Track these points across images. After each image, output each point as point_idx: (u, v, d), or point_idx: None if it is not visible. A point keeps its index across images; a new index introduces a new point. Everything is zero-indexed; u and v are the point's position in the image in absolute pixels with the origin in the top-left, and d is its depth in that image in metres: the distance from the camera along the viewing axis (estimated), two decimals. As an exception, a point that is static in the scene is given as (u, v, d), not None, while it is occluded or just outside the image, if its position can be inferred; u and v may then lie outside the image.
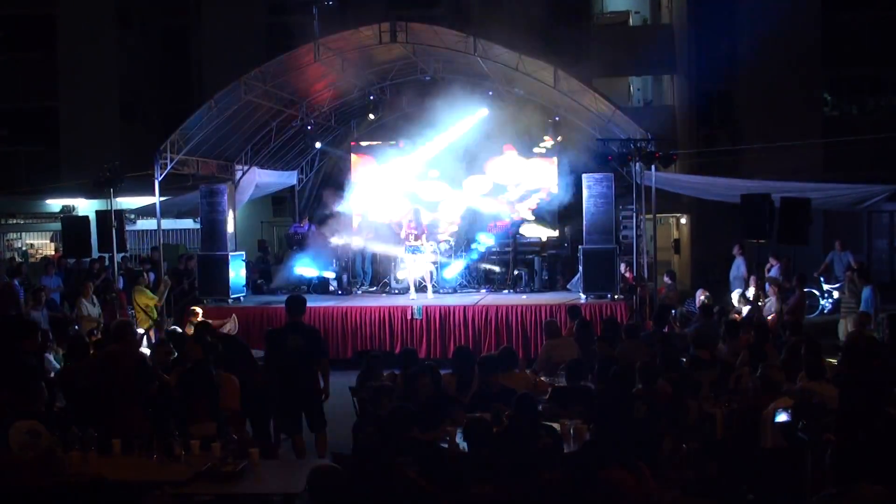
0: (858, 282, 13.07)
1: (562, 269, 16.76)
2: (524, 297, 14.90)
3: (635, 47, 22.24)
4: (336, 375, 8.68)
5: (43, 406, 6.75)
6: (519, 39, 14.02)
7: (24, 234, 24.16)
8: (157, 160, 14.59)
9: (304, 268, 16.34)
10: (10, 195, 22.01)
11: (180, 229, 21.81)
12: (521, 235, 17.16)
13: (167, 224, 18.52)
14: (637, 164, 13.83)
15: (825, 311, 16.41)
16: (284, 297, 9.38)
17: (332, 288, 16.22)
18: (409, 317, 13.70)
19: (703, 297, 13.84)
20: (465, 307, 13.75)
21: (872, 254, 20.61)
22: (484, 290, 16.01)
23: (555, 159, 17.86)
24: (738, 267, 15.65)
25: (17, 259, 22.03)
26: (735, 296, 14.34)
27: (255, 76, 14.77)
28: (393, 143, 18.20)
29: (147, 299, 13.55)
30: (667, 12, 23.68)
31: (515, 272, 16.24)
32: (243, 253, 15.85)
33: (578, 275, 14.86)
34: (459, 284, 16.19)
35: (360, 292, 16.19)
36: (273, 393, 8.12)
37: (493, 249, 16.97)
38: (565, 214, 17.54)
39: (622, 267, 14.99)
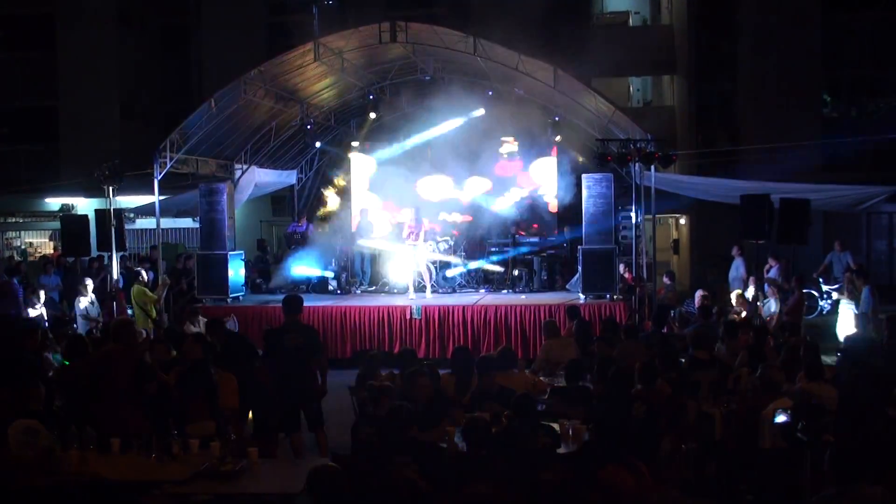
0: (857, 283, 13.07)
1: (561, 269, 16.75)
2: (523, 297, 14.90)
3: (635, 47, 22.23)
4: (335, 375, 8.69)
5: (41, 405, 6.75)
6: (519, 39, 14.02)
7: (23, 232, 24.15)
8: (156, 159, 14.58)
9: (303, 267, 16.34)
10: (10, 194, 22.01)
11: (179, 228, 21.79)
12: (521, 235, 17.16)
13: (166, 223, 18.51)
14: (636, 164, 13.82)
15: (824, 312, 16.40)
16: (283, 297, 9.38)
17: (331, 287, 16.21)
18: (408, 317, 13.70)
19: (702, 298, 13.83)
20: (464, 307, 13.75)
21: (872, 255, 20.61)
22: (483, 290, 16.01)
23: (553, 159, 17.90)
24: (738, 267, 15.65)
25: (17, 258, 22.01)
26: (734, 296, 14.33)
27: (255, 75, 14.77)
28: (392, 142, 18.18)
29: (146, 298, 13.54)
30: (667, 12, 23.68)
31: (515, 272, 16.23)
32: (242, 252, 15.85)
33: (577, 275, 14.86)
34: (458, 284, 16.18)
35: (359, 292, 16.18)
36: (273, 392, 8.12)
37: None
38: (565, 214, 17.54)
39: (621, 267, 14.99)
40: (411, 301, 14.30)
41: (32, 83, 23.53)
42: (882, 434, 5.81)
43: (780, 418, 6.03)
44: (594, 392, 7.42)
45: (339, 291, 16.02)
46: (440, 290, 15.64)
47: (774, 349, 8.92)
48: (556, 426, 6.46)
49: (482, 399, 7.17)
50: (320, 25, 16.07)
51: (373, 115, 17.37)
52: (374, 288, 16.44)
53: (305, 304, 9.05)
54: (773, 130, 18.63)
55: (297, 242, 17.01)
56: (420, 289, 15.21)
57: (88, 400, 6.78)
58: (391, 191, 17.75)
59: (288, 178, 19.27)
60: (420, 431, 5.84)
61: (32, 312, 13.12)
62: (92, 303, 13.38)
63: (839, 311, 13.77)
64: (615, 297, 13.97)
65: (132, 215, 20.17)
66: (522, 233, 17.15)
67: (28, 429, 5.66)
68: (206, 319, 11.96)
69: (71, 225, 14.64)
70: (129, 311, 13.94)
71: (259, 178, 17.84)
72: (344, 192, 18.55)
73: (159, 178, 14.68)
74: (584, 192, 14.25)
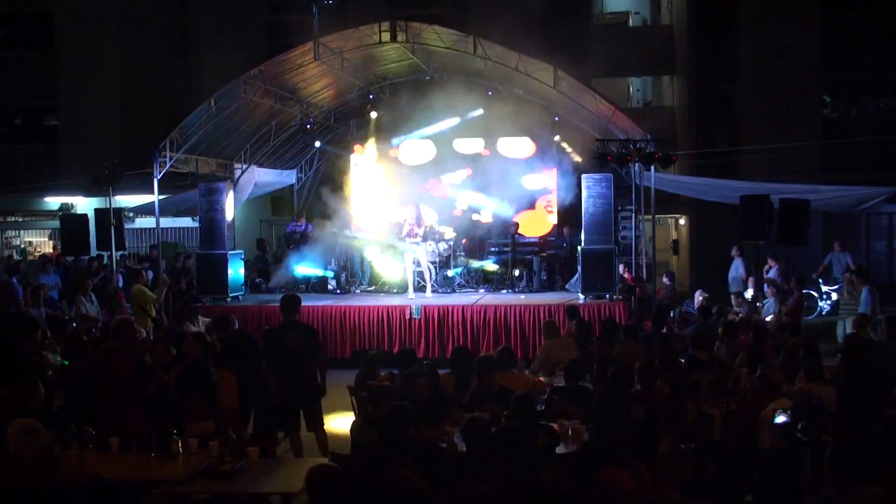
0: (857, 283, 13.07)
1: (560, 269, 16.75)
2: (523, 297, 14.90)
3: (635, 47, 22.23)
4: (334, 375, 8.68)
5: (40, 404, 6.74)
6: (518, 39, 14.02)
7: (22, 231, 24.12)
8: (156, 158, 14.58)
9: (303, 267, 16.33)
10: (9, 193, 21.98)
11: (179, 228, 21.79)
12: (521, 235, 17.16)
13: (166, 222, 18.51)
14: (636, 164, 13.83)
15: (823, 313, 16.40)
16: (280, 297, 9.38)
17: (330, 287, 16.20)
18: (407, 316, 13.70)
19: (701, 298, 13.83)
20: (463, 307, 13.75)
21: (871, 255, 20.60)
22: (482, 290, 16.01)
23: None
24: (737, 268, 15.65)
25: (16, 257, 22.01)
26: (734, 297, 14.34)
27: (255, 75, 14.77)
28: (392, 141, 18.18)
29: (146, 298, 13.53)
30: (667, 12, 23.67)
31: (515, 272, 16.23)
32: (242, 251, 15.85)
33: (577, 275, 14.86)
34: (458, 284, 16.18)
35: (358, 291, 16.18)
36: (275, 391, 8.12)
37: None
38: (564, 214, 17.54)
39: (621, 267, 15.00)
40: (411, 301, 14.30)
41: (32, 82, 23.49)
42: (881, 435, 5.80)
43: (780, 419, 6.04)
44: (594, 392, 7.41)
45: (338, 291, 16.02)
46: (440, 290, 15.64)
47: (774, 349, 8.92)
48: (555, 426, 6.45)
49: (482, 399, 7.17)
50: (320, 25, 16.08)
51: (374, 115, 17.35)
52: (373, 288, 16.44)
53: (305, 303, 9.05)
54: (773, 130, 18.62)
55: (296, 242, 17.00)
56: (420, 288, 15.21)
57: (88, 399, 6.77)
58: (391, 190, 17.76)
59: (287, 177, 19.27)
60: (419, 431, 5.83)
61: (32, 311, 13.11)
62: (91, 302, 13.38)
63: (839, 311, 13.78)
64: (615, 297, 13.97)
65: (132, 214, 20.16)
66: (521, 233, 17.15)
67: (27, 428, 5.65)
68: (206, 319, 11.99)
69: (70, 224, 14.64)
70: (129, 310, 13.94)
71: (259, 178, 17.84)
72: (343, 192, 18.53)
73: (159, 177, 14.67)
74: (584, 193, 14.25)
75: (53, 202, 22.75)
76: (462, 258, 16.47)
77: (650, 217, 14.60)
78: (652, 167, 13.57)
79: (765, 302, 13.28)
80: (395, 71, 16.72)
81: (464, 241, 16.97)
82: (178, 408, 7.02)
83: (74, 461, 5.77)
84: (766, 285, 13.51)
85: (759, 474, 6.49)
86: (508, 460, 5.14)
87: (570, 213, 17.04)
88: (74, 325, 12.62)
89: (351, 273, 16.57)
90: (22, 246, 23.81)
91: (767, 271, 14.68)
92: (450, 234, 16.66)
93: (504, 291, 15.81)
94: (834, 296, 16.02)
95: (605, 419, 6.37)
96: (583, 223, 14.25)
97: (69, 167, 21.69)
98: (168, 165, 14.73)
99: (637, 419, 6.38)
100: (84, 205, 21.16)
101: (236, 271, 15.05)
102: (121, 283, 15.34)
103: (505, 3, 18.32)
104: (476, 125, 17.24)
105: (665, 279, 15.66)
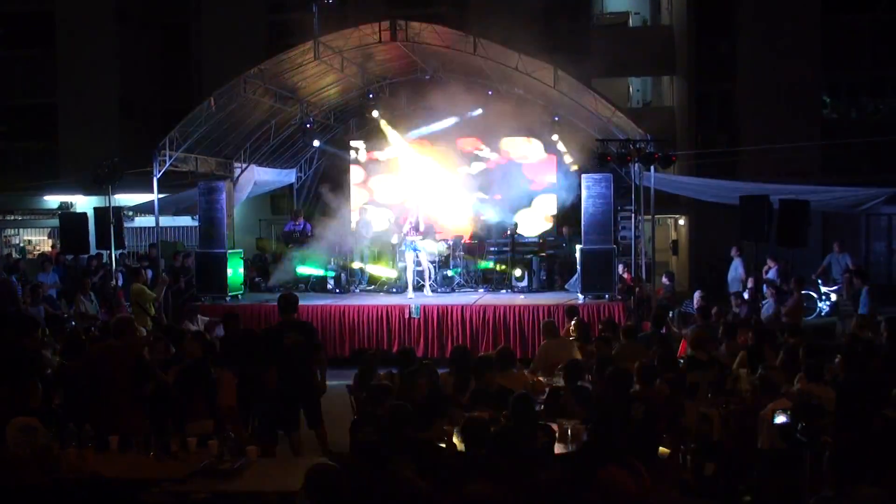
0: (856, 284, 13.07)
1: (560, 269, 16.75)
2: (522, 297, 14.89)
3: (635, 47, 22.24)
4: (333, 374, 8.69)
5: (39, 403, 6.74)
6: (518, 39, 14.02)
7: (21, 230, 24.13)
8: (155, 157, 14.58)
9: (302, 266, 16.32)
10: (9, 191, 21.98)
11: (178, 227, 21.79)
12: (520, 235, 17.14)
13: (165, 221, 18.51)
14: (636, 164, 13.83)
15: (822, 314, 16.40)
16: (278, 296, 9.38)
17: (329, 286, 16.19)
18: (406, 316, 13.69)
19: (700, 299, 13.83)
20: (462, 306, 13.74)
21: (871, 256, 20.61)
22: (482, 290, 16.00)
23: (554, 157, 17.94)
24: (737, 268, 15.66)
25: (15, 255, 22.00)
26: (733, 297, 14.34)
27: (255, 74, 14.77)
28: (391, 140, 18.17)
29: (145, 296, 13.52)
30: (667, 13, 23.67)
31: (514, 272, 16.21)
32: (241, 251, 15.84)
33: (576, 275, 14.86)
34: (457, 284, 16.17)
35: (357, 291, 16.17)
36: (276, 390, 8.13)
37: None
38: (564, 214, 17.54)
39: (620, 268, 14.99)
40: (410, 300, 14.30)
41: (32, 81, 23.50)
42: (880, 435, 5.81)
43: (780, 419, 6.03)
44: (593, 392, 7.41)
45: (337, 290, 16.00)
46: (439, 290, 15.63)
47: (773, 350, 8.92)
48: (554, 426, 6.45)
49: (481, 399, 7.17)
50: (320, 24, 16.03)
51: (375, 114, 17.33)
52: (372, 287, 16.43)
53: (304, 303, 9.06)
54: (773, 131, 18.63)
55: (295, 241, 17.00)
56: (419, 288, 15.21)
57: (87, 398, 6.77)
58: (391, 189, 17.75)
59: (287, 176, 19.26)
60: (419, 431, 5.83)
61: (31, 310, 13.11)
62: (91, 301, 13.37)
63: (838, 312, 13.79)
64: (614, 297, 13.97)
65: (131, 213, 20.18)
66: (520, 233, 17.15)
67: (26, 427, 5.65)
68: (205, 318, 11.99)
69: (70, 223, 14.64)
70: (128, 309, 13.93)
71: (258, 177, 17.84)
72: (343, 191, 18.53)
73: (158, 176, 14.68)
74: (584, 193, 14.25)
75: (53, 201, 22.75)
76: (461, 258, 16.47)
77: (650, 217, 14.61)
78: (652, 167, 13.57)
79: (764, 303, 13.29)
80: (395, 70, 16.71)
81: (464, 240, 16.96)
82: (178, 407, 7.02)
83: (73, 460, 5.77)
84: (765, 286, 13.51)
85: (759, 475, 6.49)
86: (507, 460, 5.14)
87: (569, 213, 17.04)
88: (73, 323, 12.62)
89: (350, 272, 16.57)
90: (21, 244, 23.82)
91: (767, 272, 14.68)
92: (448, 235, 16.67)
93: (503, 291, 15.80)
94: (833, 297, 16.03)
95: (605, 419, 6.37)
96: (582, 223, 14.24)
97: (69, 166, 21.71)
98: (167, 164, 14.74)
99: (636, 419, 6.38)
100: (83, 203, 21.15)
101: (235, 270, 15.05)
102: (120, 282, 15.34)
103: (505, 2, 18.32)
104: (476, 125, 17.22)
105: (664, 279, 15.66)
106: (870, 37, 20.33)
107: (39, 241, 23.96)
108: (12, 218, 23.94)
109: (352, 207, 17.93)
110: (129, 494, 5.46)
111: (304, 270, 16.35)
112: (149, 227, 19.41)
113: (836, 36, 20.02)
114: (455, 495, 4.81)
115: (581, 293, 14.24)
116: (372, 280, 16.56)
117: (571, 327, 10.58)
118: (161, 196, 15.43)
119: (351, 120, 19.05)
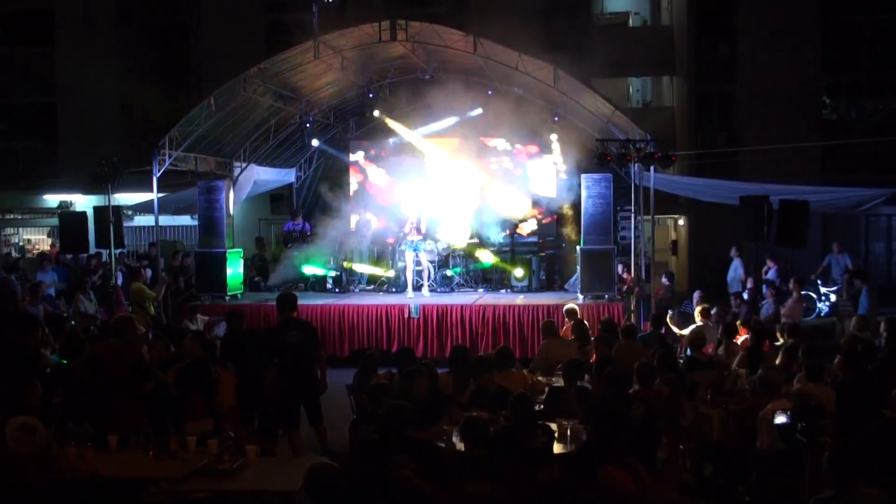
0: (857, 284, 13.08)
1: (559, 269, 16.75)
2: (521, 297, 14.89)
3: (635, 47, 22.21)
4: (333, 374, 8.69)
5: (38, 402, 6.73)
6: (518, 39, 14.01)
7: (21, 229, 24.11)
8: (155, 156, 14.58)
9: (301, 265, 16.32)
10: (8, 190, 21.95)
11: (178, 226, 21.78)
12: (520, 235, 17.13)
13: (165, 220, 18.49)
14: (636, 164, 13.83)
15: (822, 314, 16.41)
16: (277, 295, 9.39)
17: (329, 286, 16.19)
18: (406, 315, 13.70)
19: (700, 299, 13.84)
20: (462, 306, 13.75)
21: (870, 257, 20.62)
22: (481, 290, 16.00)
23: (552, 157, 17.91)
24: (736, 269, 15.65)
25: (14, 254, 21.98)
26: (732, 297, 14.34)
27: (255, 73, 14.77)
28: (391, 140, 18.16)
29: (145, 296, 13.52)
30: (667, 13, 23.67)
31: (515, 272, 16.20)
32: (241, 250, 15.84)
33: (576, 275, 14.85)
34: (457, 284, 16.17)
35: (357, 290, 16.17)
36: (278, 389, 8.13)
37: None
38: (564, 214, 17.53)
39: (620, 268, 14.99)
40: (409, 300, 14.30)
41: (31, 79, 23.49)
42: (880, 436, 5.81)
43: (780, 419, 6.03)
44: (592, 392, 7.41)
45: (337, 290, 16.00)
46: (438, 290, 15.63)
47: (773, 350, 8.93)
48: (553, 426, 6.45)
49: (480, 398, 7.17)
50: (320, 24, 16.03)
51: (377, 113, 17.31)
52: (372, 287, 16.43)
53: (304, 302, 9.06)
54: (773, 131, 18.61)
55: (294, 240, 17.00)
56: (418, 287, 15.20)
57: (87, 396, 6.77)
58: (390, 189, 17.74)
59: (287, 176, 19.25)
60: (418, 430, 5.83)
61: (30, 309, 13.09)
62: (90, 300, 13.36)
63: (838, 313, 13.79)
64: (614, 297, 13.97)
65: (131, 212, 20.15)
66: (520, 232, 17.15)
67: (25, 425, 5.64)
68: (204, 317, 11.99)
69: (69, 222, 14.63)
70: (128, 308, 13.93)
71: (258, 176, 17.83)
72: (343, 190, 18.52)
73: (158, 175, 14.67)
74: (584, 193, 14.26)
75: (52, 200, 22.73)
76: (461, 257, 16.45)
77: (649, 217, 14.60)
78: (651, 167, 13.57)
79: (763, 303, 13.29)
80: (395, 70, 16.70)
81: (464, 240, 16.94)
82: (177, 406, 7.01)
83: (72, 459, 5.77)
84: (764, 286, 13.51)
85: (758, 475, 6.48)
86: (507, 460, 5.14)
87: (569, 213, 17.02)
88: (73, 322, 12.61)
89: (349, 272, 16.56)
90: (20, 243, 23.80)
91: (766, 272, 14.68)
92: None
93: (503, 291, 15.80)
94: (833, 297, 16.02)
95: (604, 420, 6.36)
96: (582, 223, 14.25)
97: (68, 165, 21.70)
98: (167, 163, 14.73)
99: (636, 419, 6.38)
100: (83, 202, 21.12)
101: (235, 270, 15.05)
102: (120, 281, 15.32)
103: (505, 2, 18.29)
104: (476, 124, 17.20)
105: (664, 279, 15.65)
106: (870, 37, 20.33)
107: (39, 240, 23.94)
108: (12, 217, 23.92)
109: (351, 207, 17.89)
110: (128, 494, 5.46)
111: (304, 270, 16.35)
112: (148, 227, 19.40)
113: (836, 36, 20.02)
114: (455, 495, 4.82)
115: (581, 293, 14.24)
116: (371, 280, 16.56)
117: (569, 328, 10.59)
118: (161, 195, 15.42)
119: (351, 119, 19.03)
